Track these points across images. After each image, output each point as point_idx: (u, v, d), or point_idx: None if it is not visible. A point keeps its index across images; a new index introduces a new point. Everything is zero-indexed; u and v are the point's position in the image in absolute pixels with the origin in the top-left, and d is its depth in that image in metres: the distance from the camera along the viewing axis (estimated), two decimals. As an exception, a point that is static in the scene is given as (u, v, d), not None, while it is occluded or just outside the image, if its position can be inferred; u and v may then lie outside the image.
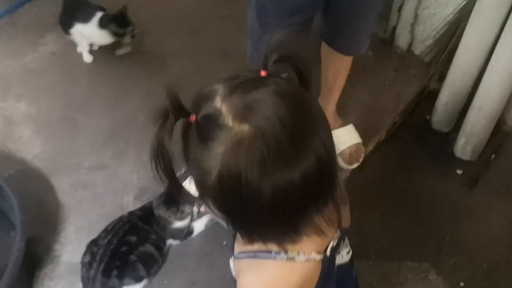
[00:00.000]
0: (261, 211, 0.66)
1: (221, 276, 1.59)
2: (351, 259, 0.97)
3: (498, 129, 1.99)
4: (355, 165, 1.88)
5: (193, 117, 0.65)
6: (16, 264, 1.37)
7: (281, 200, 0.65)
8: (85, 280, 1.50)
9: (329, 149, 0.67)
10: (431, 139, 2.06)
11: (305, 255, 0.77)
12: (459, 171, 1.97)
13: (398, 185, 1.93)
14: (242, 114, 0.63)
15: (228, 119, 0.63)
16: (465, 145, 1.94)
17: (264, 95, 0.64)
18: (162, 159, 0.66)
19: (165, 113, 0.65)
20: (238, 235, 0.81)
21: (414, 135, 2.09)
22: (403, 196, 1.90)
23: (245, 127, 0.62)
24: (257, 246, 0.77)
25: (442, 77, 2.00)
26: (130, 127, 2.01)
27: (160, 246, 1.58)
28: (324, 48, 1.65)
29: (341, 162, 1.87)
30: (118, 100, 2.11)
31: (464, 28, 1.75)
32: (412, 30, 2.07)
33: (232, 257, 0.86)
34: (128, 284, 1.49)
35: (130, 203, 1.77)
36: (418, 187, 1.93)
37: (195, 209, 1.64)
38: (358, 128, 1.91)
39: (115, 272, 1.47)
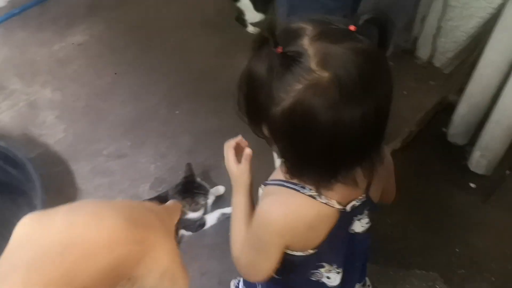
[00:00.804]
0: (315, 150, 0.74)
1: (231, 268, 1.61)
2: (368, 230, 0.99)
3: (514, 144, 1.99)
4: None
5: (279, 49, 0.69)
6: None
7: (336, 141, 0.72)
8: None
9: (388, 104, 0.75)
10: (446, 151, 2.07)
11: (327, 198, 0.83)
12: (472, 185, 1.97)
13: (411, 194, 1.94)
14: (326, 61, 0.68)
15: (313, 62, 0.68)
16: (480, 159, 1.94)
17: (348, 49, 0.69)
18: (248, 88, 0.76)
19: (261, 40, 0.71)
20: (280, 166, 0.86)
21: (430, 146, 2.10)
22: (416, 205, 1.90)
23: (325, 74, 0.67)
24: (289, 178, 0.83)
25: (460, 90, 2.01)
26: (151, 119, 2.05)
27: (173, 235, 1.61)
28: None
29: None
30: (140, 93, 2.16)
31: (486, 42, 1.77)
32: (434, 42, 2.09)
33: (262, 185, 0.91)
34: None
35: (145, 192, 1.80)
36: (431, 198, 1.93)
37: (209, 201, 1.67)
38: (374, 135, 1.93)
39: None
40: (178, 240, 1.67)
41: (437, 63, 2.16)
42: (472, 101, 1.92)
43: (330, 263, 0.95)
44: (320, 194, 0.82)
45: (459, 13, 1.91)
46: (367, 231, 0.98)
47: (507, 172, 1.99)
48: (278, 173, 0.87)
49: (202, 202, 1.62)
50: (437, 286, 1.64)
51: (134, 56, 2.31)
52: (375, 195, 0.92)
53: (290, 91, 0.68)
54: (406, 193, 1.94)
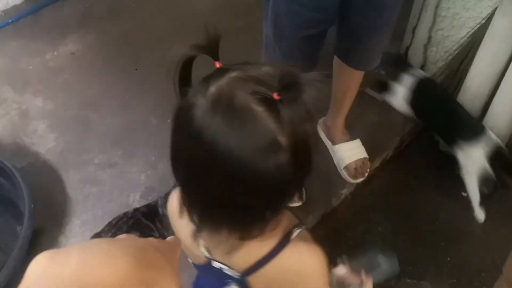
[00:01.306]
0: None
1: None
2: None
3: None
4: (359, 180, 1.89)
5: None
6: (22, 250, 1.39)
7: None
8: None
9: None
10: (437, 160, 2.07)
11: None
12: (464, 194, 1.97)
13: (402, 203, 1.94)
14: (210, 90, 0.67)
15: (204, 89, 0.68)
16: (472, 168, 1.94)
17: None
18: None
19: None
20: None
21: (422, 155, 2.11)
22: (407, 214, 1.90)
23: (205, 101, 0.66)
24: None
25: (452, 100, 2.01)
26: (141, 129, 2.05)
27: (162, 244, 1.60)
28: (336, 62, 1.68)
29: (346, 176, 1.88)
30: (131, 102, 2.15)
31: (476, 51, 1.78)
32: (425, 51, 2.10)
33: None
34: (127, 279, 1.51)
35: (136, 202, 1.79)
36: (422, 207, 1.93)
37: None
38: (365, 144, 1.93)
39: (116, 266, 1.49)
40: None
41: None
42: (462, 110, 1.93)
43: None
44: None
45: (450, 23, 1.92)
46: None
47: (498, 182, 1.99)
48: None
49: (192, 212, 1.60)
50: (428, 296, 1.64)
51: (125, 66, 2.31)
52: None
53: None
54: (397, 201, 1.95)
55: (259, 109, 0.62)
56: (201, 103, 0.66)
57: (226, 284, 0.86)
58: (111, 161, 1.93)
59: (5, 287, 1.33)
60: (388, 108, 2.11)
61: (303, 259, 0.80)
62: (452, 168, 2.04)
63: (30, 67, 2.32)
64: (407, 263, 1.75)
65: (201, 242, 0.81)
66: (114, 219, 1.60)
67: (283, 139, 0.63)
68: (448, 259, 1.77)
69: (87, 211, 1.78)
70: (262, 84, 0.64)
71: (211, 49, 0.71)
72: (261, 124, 0.62)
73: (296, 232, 0.79)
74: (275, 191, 0.68)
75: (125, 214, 1.60)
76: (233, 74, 0.68)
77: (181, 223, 0.81)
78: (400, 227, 1.86)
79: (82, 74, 2.27)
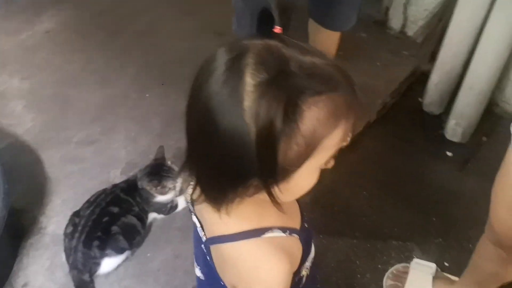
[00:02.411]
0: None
1: (204, 250, 1.60)
2: None
3: (490, 112, 1.98)
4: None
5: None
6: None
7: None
8: (68, 250, 1.51)
9: None
10: (422, 121, 2.05)
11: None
12: (449, 153, 1.95)
13: (387, 166, 1.92)
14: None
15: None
16: (456, 126, 1.93)
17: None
18: None
19: None
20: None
21: (406, 117, 2.08)
22: (392, 176, 1.89)
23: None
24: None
25: (433, 59, 1.98)
26: (121, 104, 2.02)
27: (142, 218, 1.59)
28: (311, 25, 1.64)
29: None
30: (109, 78, 2.12)
31: (454, 8, 1.74)
32: (404, 11, 2.06)
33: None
34: (109, 255, 1.50)
35: (117, 178, 1.78)
36: (408, 168, 1.92)
37: (178, 185, 1.64)
38: (348, 108, 1.90)
39: (96, 242, 1.48)
40: (150, 223, 1.65)
41: (410, 32, 2.13)
42: (444, 69, 1.90)
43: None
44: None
45: (428, -20, 1.88)
46: None
47: (484, 138, 1.97)
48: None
49: (170, 186, 1.59)
50: (414, 256, 1.63)
51: (102, 41, 2.27)
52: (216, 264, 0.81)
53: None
54: (382, 165, 1.93)
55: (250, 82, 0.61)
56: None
57: (200, 241, 0.84)
58: (91, 138, 1.91)
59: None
60: (369, 71, 2.08)
61: (259, 263, 0.75)
62: (436, 128, 2.03)
63: (6, 48, 2.28)
64: (393, 225, 1.74)
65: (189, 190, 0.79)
66: (92, 196, 1.59)
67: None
68: (434, 219, 1.76)
69: (68, 189, 1.76)
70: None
71: None
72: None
73: (272, 233, 0.74)
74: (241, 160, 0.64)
75: (103, 191, 1.59)
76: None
77: None
78: (385, 190, 1.84)
79: (59, 52, 2.23)
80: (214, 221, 0.75)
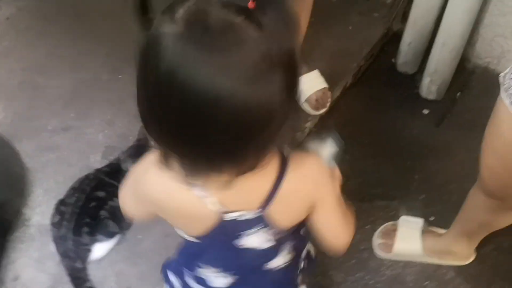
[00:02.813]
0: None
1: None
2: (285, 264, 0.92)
3: (462, 67, 2.00)
4: (322, 111, 1.87)
5: None
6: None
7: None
8: (57, 240, 1.49)
9: None
10: (397, 81, 2.07)
11: (205, 192, 0.75)
12: (425, 111, 1.98)
13: (366, 128, 1.94)
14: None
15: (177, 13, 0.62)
16: (430, 84, 1.95)
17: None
18: None
19: None
20: None
21: (380, 79, 2.09)
22: (372, 138, 1.91)
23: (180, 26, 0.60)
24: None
25: (405, 18, 1.99)
26: (93, 87, 1.97)
27: (130, 200, 1.57)
28: (283, -10, 1.62)
29: (307, 108, 1.86)
30: (79, 61, 2.06)
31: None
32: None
33: None
34: (100, 240, 1.48)
35: (97, 163, 1.74)
36: (386, 129, 1.94)
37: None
38: (323, 74, 1.90)
39: (85, 229, 1.46)
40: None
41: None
42: (416, 27, 1.91)
43: (211, 265, 0.90)
44: (195, 185, 0.73)
45: None
46: (286, 266, 0.92)
47: (458, 94, 2.01)
48: None
49: (156, 164, 1.57)
50: (400, 214, 1.66)
51: (67, 25, 2.18)
52: (280, 218, 0.81)
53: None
54: (362, 127, 1.95)
55: (238, 19, 0.57)
56: (169, 30, 0.59)
57: (237, 237, 0.83)
58: (65, 124, 1.86)
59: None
60: (342, 36, 2.08)
61: (308, 166, 0.81)
62: (411, 87, 2.05)
63: (-37, 38, 2.18)
64: (377, 186, 1.77)
65: (209, 200, 0.76)
66: (75, 182, 1.57)
67: (271, 52, 0.57)
68: (416, 176, 1.80)
69: (48, 179, 1.72)
70: None
71: None
72: (246, 36, 0.57)
73: (287, 149, 0.78)
74: (271, 118, 0.63)
75: (86, 176, 1.56)
76: None
77: (173, 196, 0.77)
78: (366, 152, 1.86)
79: (21, 38, 2.14)
80: (253, 189, 0.76)
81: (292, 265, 0.96)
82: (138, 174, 0.84)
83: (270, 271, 0.92)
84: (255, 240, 0.84)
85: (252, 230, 0.82)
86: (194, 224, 0.81)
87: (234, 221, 0.79)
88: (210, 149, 0.65)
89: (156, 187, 0.79)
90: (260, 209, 0.79)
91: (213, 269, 0.90)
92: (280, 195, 0.77)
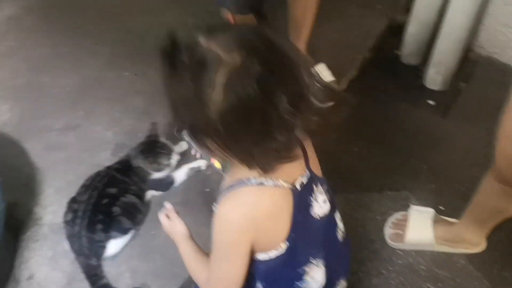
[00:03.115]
0: (256, 129, 0.75)
1: (207, 221, 1.59)
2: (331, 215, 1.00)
3: (466, 58, 2.02)
4: (329, 104, 1.87)
5: (186, 58, 0.72)
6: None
7: (270, 111, 0.73)
8: (71, 238, 1.48)
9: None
10: (401, 73, 2.08)
11: (273, 181, 0.84)
12: (431, 102, 2.00)
13: (372, 120, 1.95)
14: (229, 46, 0.71)
15: (219, 50, 0.71)
16: (435, 75, 1.96)
17: (236, 31, 0.76)
18: (181, 110, 0.78)
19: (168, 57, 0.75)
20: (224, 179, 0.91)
21: (385, 71, 2.11)
22: (379, 130, 1.92)
23: (235, 55, 0.70)
24: (236, 178, 0.86)
25: (408, 10, 2.00)
26: (99, 86, 1.97)
27: (141, 196, 1.58)
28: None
29: (315, 101, 1.86)
30: (83, 59, 2.06)
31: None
32: (375, -36, 2.06)
33: (214, 204, 0.92)
34: (115, 237, 1.48)
35: (107, 160, 1.74)
36: (393, 121, 1.95)
37: (173, 161, 1.62)
38: (329, 67, 1.91)
39: (99, 226, 1.46)
40: (150, 200, 1.63)
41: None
42: (420, 18, 1.92)
43: (307, 258, 0.95)
44: (266, 179, 0.83)
45: None
46: (331, 214, 1.00)
47: (462, 84, 2.02)
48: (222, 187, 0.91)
49: (165, 162, 1.57)
50: (410, 204, 1.67)
51: (68, 23, 2.19)
52: (315, 168, 0.94)
53: (215, 84, 0.70)
54: (368, 119, 1.95)
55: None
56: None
57: (310, 206, 0.92)
58: (73, 123, 1.86)
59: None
60: (346, 28, 2.09)
61: None
62: (415, 78, 2.06)
63: (-33, 39, 2.17)
64: (386, 176, 1.78)
65: (281, 183, 0.85)
66: (87, 180, 1.56)
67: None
68: (425, 166, 1.81)
69: (58, 178, 1.72)
70: None
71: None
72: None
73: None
74: None
75: (97, 174, 1.56)
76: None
77: (258, 203, 0.86)
78: (373, 143, 1.87)
79: (25, 38, 2.15)
80: (295, 165, 0.86)
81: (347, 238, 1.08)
82: (217, 228, 0.89)
83: (341, 245, 1.06)
84: (320, 203, 0.94)
85: (314, 194, 0.92)
86: (281, 216, 0.88)
87: (303, 188, 0.89)
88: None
89: (235, 211, 0.86)
90: (307, 170, 0.90)
91: (309, 263, 0.96)
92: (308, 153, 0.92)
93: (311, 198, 0.92)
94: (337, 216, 1.04)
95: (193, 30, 0.74)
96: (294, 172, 0.88)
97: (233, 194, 0.86)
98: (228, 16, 0.75)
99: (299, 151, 0.88)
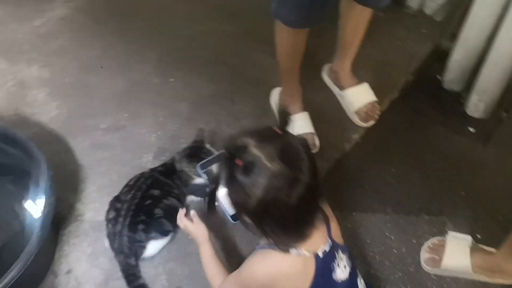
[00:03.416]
0: (285, 217, 1.01)
1: (243, 232, 1.61)
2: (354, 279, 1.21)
3: (509, 87, 2.01)
4: (371, 123, 1.89)
5: (240, 162, 0.98)
6: (48, 218, 1.38)
7: (299, 204, 0.99)
8: (112, 236, 1.51)
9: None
10: (442, 98, 2.08)
11: (297, 250, 1.08)
12: (471, 129, 1.99)
13: (412, 142, 1.95)
14: (272, 157, 0.96)
15: (265, 161, 0.96)
16: (478, 103, 1.96)
17: (281, 144, 1.00)
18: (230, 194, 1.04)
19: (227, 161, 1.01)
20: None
21: (426, 95, 2.11)
22: (418, 153, 1.92)
23: (276, 165, 0.96)
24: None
25: (454, 36, 2.01)
26: (145, 89, 2.02)
27: (182, 200, 1.60)
28: (345, 2, 1.64)
29: (357, 120, 1.88)
30: (130, 63, 2.11)
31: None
32: (424, -11, 2.07)
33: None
34: (155, 238, 1.51)
35: (149, 163, 1.77)
36: (432, 145, 1.95)
37: (215, 169, 1.65)
38: (372, 87, 1.93)
39: (141, 226, 1.48)
40: (188, 205, 1.66)
41: (428, 10, 2.15)
42: (467, 46, 1.92)
43: None
44: (290, 248, 1.07)
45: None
46: (353, 280, 1.21)
47: (503, 113, 2.01)
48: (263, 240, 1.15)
49: (208, 169, 1.60)
50: (447, 230, 1.66)
51: (118, 26, 2.25)
52: (337, 237, 1.17)
53: (258, 186, 0.96)
54: (407, 142, 1.96)
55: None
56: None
57: (332, 270, 1.15)
58: (119, 124, 1.90)
59: (37, 254, 1.32)
60: (390, 50, 2.10)
61: None
62: (456, 104, 2.06)
63: (20, 35, 2.25)
64: (423, 200, 1.77)
65: (303, 251, 1.09)
66: (131, 180, 1.59)
67: None
68: (463, 193, 1.80)
69: (102, 176, 1.75)
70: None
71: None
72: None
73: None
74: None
75: (142, 175, 1.59)
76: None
77: (282, 270, 1.11)
78: (412, 166, 1.87)
79: (76, 38, 2.21)
80: (319, 234, 1.12)
81: None
82: (244, 275, 1.17)
83: None
84: (342, 269, 1.15)
85: (336, 260, 1.13)
86: (299, 279, 1.10)
87: (325, 255, 1.10)
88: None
89: (261, 268, 1.13)
90: (329, 238, 1.12)
91: None
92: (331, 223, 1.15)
93: (334, 263, 1.13)
94: (360, 283, 1.24)
95: (247, 135, 1.01)
96: (317, 242, 1.10)
97: (264, 253, 1.11)
98: (276, 129, 1.03)
99: (321, 224, 1.11)
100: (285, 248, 1.06)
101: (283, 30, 1.52)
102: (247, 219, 1.05)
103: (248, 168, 0.96)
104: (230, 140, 1.04)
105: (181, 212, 1.42)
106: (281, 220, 1.02)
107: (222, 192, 1.07)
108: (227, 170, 1.00)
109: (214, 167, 1.37)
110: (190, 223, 1.38)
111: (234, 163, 0.98)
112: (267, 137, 1.01)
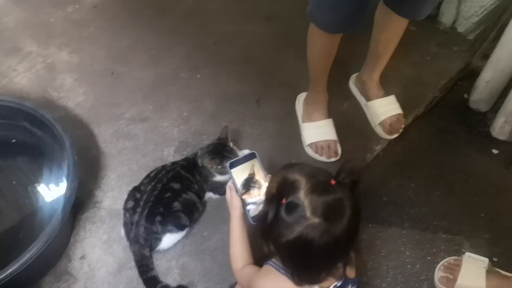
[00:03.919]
0: (306, 263, 1.06)
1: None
2: None
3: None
4: (394, 136, 1.88)
5: (284, 200, 1.02)
6: (69, 202, 1.39)
7: (324, 255, 1.03)
8: (128, 225, 1.51)
9: (356, 223, 1.06)
10: (468, 117, 2.06)
11: (310, 286, 1.11)
12: (495, 151, 1.97)
13: (434, 159, 1.94)
14: (316, 211, 0.99)
15: (308, 211, 1.00)
16: (504, 125, 1.94)
17: (331, 199, 1.01)
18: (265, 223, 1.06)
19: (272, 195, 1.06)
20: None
21: (451, 112, 2.09)
22: (439, 170, 1.90)
23: (316, 219, 0.99)
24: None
25: (485, 56, 1.99)
26: (171, 83, 2.02)
27: (200, 196, 1.60)
28: (382, 12, 1.63)
29: (380, 131, 1.87)
30: (159, 56, 2.12)
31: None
32: (458, 6, 2.06)
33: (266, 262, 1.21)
34: (171, 231, 1.51)
35: (170, 156, 1.78)
36: (454, 163, 1.93)
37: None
38: (398, 100, 1.91)
39: (158, 218, 1.49)
40: (206, 202, 1.66)
41: (460, 28, 2.13)
42: (498, 67, 1.90)
43: None
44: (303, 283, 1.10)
45: (487, -23, 1.87)
46: None
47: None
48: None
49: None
50: (463, 250, 1.65)
51: (150, 19, 2.26)
52: (351, 273, 1.19)
53: (293, 230, 1.00)
54: (429, 158, 1.94)
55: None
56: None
57: None
58: (143, 115, 1.91)
59: (55, 237, 1.33)
60: (419, 65, 2.09)
61: None
62: (482, 125, 2.04)
63: (53, 20, 2.27)
64: (441, 218, 1.76)
65: None
66: (152, 171, 1.60)
67: None
68: (482, 214, 1.78)
69: (122, 165, 1.77)
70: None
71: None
72: None
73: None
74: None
75: (163, 167, 1.60)
76: None
77: None
78: (433, 183, 1.86)
79: (107, 27, 2.23)
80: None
81: None
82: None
83: None
84: None
85: None
86: None
87: None
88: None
89: None
90: (341, 276, 1.14)
91: None
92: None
93: None
94: None
95: (302, 174, 1.05)
96: (331, 281, 1.13)
97: (277, 275, 1.14)
98: (332, 180, 1.03)
99: (340, 268, 1.12)
100: (298, 282, 1.10)
101: (316, 33, 1.52)
102: (271, 246, 1.08)
103: (290, 208, 1.01)
104: (285, 169, 1.10)
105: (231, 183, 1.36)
106: (302, 262, 1.06)
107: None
108: (274, 201, 1.04)
109: (242, 167, 1.35)
110: (229, 191, 1.34)
111: (281, 202, 1.03)
112: (319, 187, 1.03)
